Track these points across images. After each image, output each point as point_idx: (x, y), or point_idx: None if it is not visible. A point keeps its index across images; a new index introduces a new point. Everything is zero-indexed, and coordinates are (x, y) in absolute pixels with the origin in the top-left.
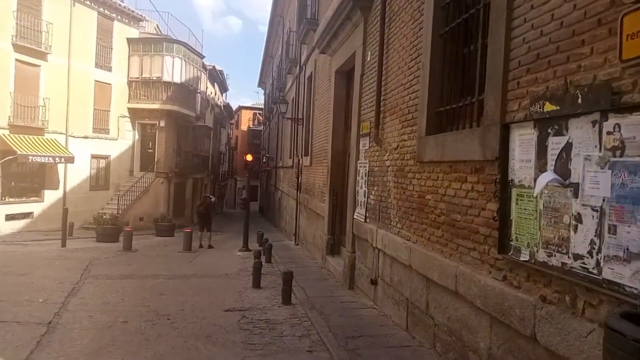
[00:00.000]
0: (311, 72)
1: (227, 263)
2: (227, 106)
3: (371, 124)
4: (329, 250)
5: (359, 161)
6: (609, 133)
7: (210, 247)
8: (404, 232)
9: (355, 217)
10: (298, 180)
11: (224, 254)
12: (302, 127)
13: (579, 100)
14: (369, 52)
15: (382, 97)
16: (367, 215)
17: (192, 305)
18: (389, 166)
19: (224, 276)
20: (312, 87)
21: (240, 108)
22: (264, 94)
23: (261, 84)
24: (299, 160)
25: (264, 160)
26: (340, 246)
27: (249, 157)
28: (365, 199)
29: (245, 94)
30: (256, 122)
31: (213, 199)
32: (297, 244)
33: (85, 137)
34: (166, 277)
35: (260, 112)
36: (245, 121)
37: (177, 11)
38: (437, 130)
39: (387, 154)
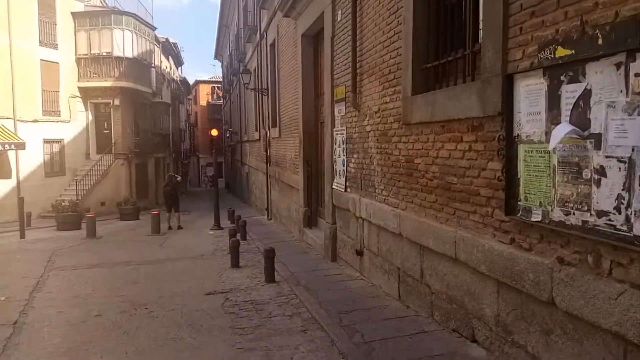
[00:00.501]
0: (274, 39)
1: (200, 243)
2: (184, 81)
3: (347, 88)
4: (306, 222)
5: (334, 129)
6: (637, 75)
7: (179, 227)
8: (391, 199)
9: (334, 187)
10: (267, 153)
11: (196, 234)
12: (268, 97)
13: (599, 41)
14: (340, 11)
15: (357, 59)
16: (347, 184)
17: (170, 292)
18: (369, 131)
19: (199, 257)
20: (275, 55)
21: (198, 82)
22: (222, 66)
23: (217, 56)
24: (266, 132)
25: (228, 135)
26: (317, 218)
27: (214, 132)
28: (345, 168)
29: (201, 68)
30: (215, 97)
31: (178, 178)
32: (270, 219)
33: (35, 121)
34: (138, 263)
35: (219, 85)
36: (204, 96)
37: None
38: (425, 89)
39: (367, 119)
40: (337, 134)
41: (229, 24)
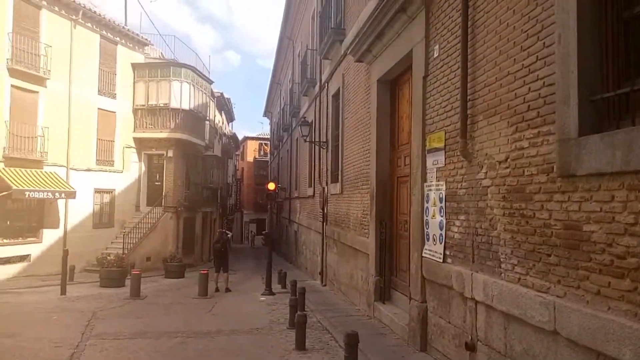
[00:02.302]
0: (337, 89)
1: (253, 312)
2: (234, 136)
3: (448, 134)
4: (377, 295)
5: (426, 184)
6: None
7: (227, 290)
8: (533, 279)
9: (425, 255)
10: (323, 211)
11: (245, 299)
12: (327, 151)
13: None
14: (437, 46)
15: (469, 97)
16: (447, 253)
17: None
18: (488, 187)
19: (254, 332)
20: (339, 105)
21: (246, 139)
22: (270, 123)
23: (267, 113)
24: (323, 188)
25: (276, 191)
26: (392, 290)
27: (271, 186)
28: (443, 232)
29: (248, 126)
30: (262, 153)
31: (230, 235)
32: (325, 285)
33: (88, 170)
34: (185, 335)
35: (266, 142)
36: (251, 152)
37: (176, 50)
38: (599, 127)
39: (485, 171)
40: (430, 190)
41: (281, 81)
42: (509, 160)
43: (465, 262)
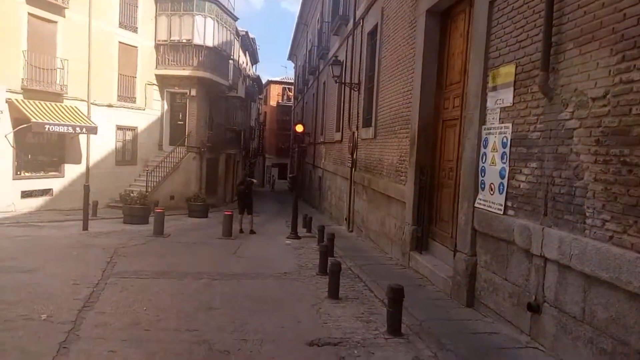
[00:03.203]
0: (375, 24)
1: (279, 255)
2: (258, 79)
3: (520, 67)
4: (414, 244)
5: (484, 126)
6: None
7: (252, 232)
8: (634, 239)
9: (478, 205)
10: (352, 156)
11: (270, 242)
12: (359, 93)
13: None
14: None
15: (555, 21)
16: (508, 204)
17: (256, 331)
18: (575, 128)
19: (283, 276)
20: (376, 43)
21: (269, 82)
22: (295, 67)
23: (292, 56)
24: (353, 133)
25: None
26: (430, 240)
27: (300, 128)
28: (505, 181)
29: (271, 71)
30: (285, 98)
31: (255, 182)
32: (352, 230)
33: (110, 106)
34: (211, 277)
35: (290, 87)
36: (274, 96)
37: None
38: None
39: (570, 110)
40: (489, 134)
41: (308, 22)
42: (608, 96)
43: (534, 215)
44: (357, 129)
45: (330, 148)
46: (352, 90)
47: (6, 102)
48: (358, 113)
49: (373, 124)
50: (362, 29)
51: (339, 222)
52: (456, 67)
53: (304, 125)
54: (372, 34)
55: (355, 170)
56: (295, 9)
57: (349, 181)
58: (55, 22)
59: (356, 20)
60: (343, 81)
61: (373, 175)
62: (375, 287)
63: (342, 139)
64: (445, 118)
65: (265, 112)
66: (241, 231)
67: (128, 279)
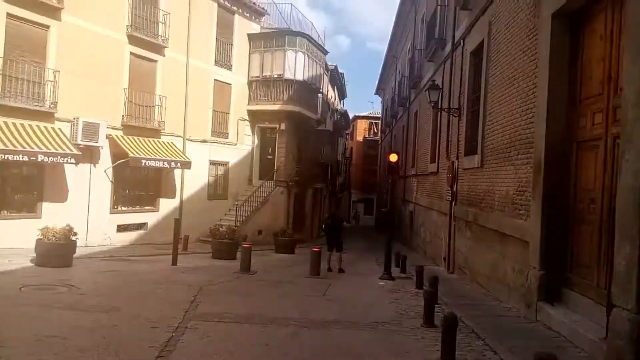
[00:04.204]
0: (480, 42)
1: (373, 299)
2: (345, 113)
3: None
4: (542, 294)
5: None
6: None
7: (341, 270)
8: None
9: None
10: (452, 189)
11: (362, 283)
12: (459, 119)
13: None
14: None
15: None
16: None
17: None
18: None
19: (380, 327)
20: (481, 62)
21: (356, 118)
22: (382, 101)
23: (379, 91)
24: (452, 162)
25: None
26: (565, 289)
27: (394, 157)
28: None
29: (358, 108)
30: (372, 133)
31: (344, 222)
32: (452, 272)
33: (204, 141)
34: (298, 324)
35: (377, 121)
36: (361, 131)
37: (290, 22)
38: None
39: None
40: None
41: (398, 54)
42: None
43: None
44: (457, 159)
45: (424, 181)
46: (452, 116)
47: (106, 137)
48: (459, 141)
49: (479, 151)
50: (462, 49)
51: (435, 261)
52: (595, 76)
53: (398, 155)
54: (476, 52)
55: (455, 204)
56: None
57: (447, 216)
58: (156, 61)
59: (455, 41)
60: (440, 107)
61: (480, 210)
62: (501, 349)
63: (438, 170)
64: (581, 139)
65: (352, 147)
66: (329, 269)
67: (210, 323)
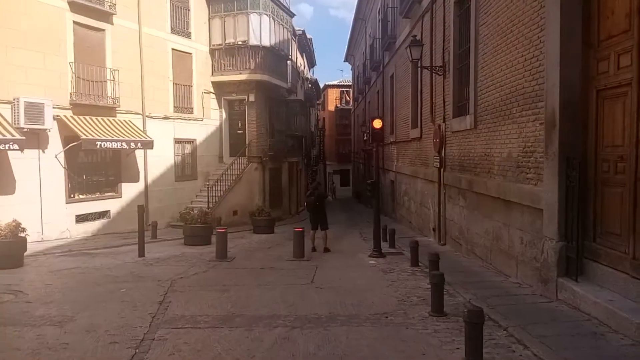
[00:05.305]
0: None
1: (367, 283)
2: (316, 82)
3: None
4: (562, 268)
5: None
6: None
7: (326, 250)
8: None
9: None
10: (440, 154)
11: (351, 263)
12: (445, 78)
13: None
14: None
15: None
16: None
17: None
18: None
19: (383, 319)
20: (469, 11)
21: (327, 87)
22: (352, 68)
23: (348, 57)
24: (439, 126)
25: (365, 137)
26: (590, 262)
27: (378, 123)
28: None
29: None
30: (344, 102)
31: (328, 196)
32: (444, 244)
33: (166, 118)
34: (287, 324)
35: (348, 89)
36: (332, 101)
37: None
38: None
39: None
40: None
41: (366, 17)
42: None
43: None
44: (444, 122)
45: (405, 148)
46: (435, 76)
47: (54, 119)
48: (445, 102)
49: (471, 111)
50: (444, 0)
51: (423, 232)
52: (618, 9)
53: (381, 119)
54: (462, 1)
55: (445, 170)
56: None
57: (436, 184)
58: (103, 30)
59: None
60: (421, 65)
61: (475, 176)
62: (531, 342)
63: (421, 135)
64: (603, 86)
65: (324, 118)
66: (314, 249)
67: (182, 331)
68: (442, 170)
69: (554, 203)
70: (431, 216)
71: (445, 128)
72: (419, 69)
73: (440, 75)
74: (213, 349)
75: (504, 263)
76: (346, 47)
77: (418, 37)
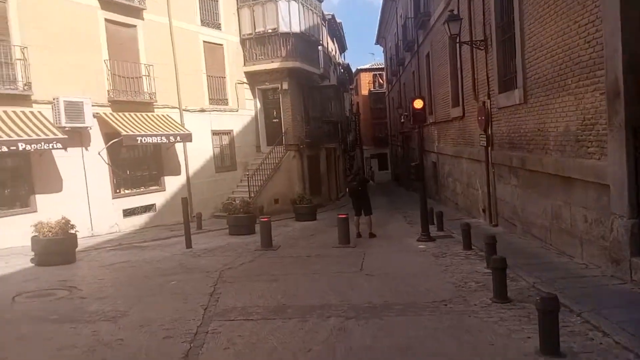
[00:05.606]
0: None
1: (419, 268)
2: (348, 67)
3: None
4: (635, 247)
5: None
6: None
7: (372, 235)
8: None
9: None
10: (485, 132)
11: (399, 248)
12: (487, 52)
13: None
14: None
15: None
16: None
17: None
18: None
19: (442, 307)
20: None
21: (359, 71)
22: (384, 51)
23: (379, 40)
24: (483, 103)
25: (402, 120)
26: None
27: (419, 103)
28: None
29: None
30: (377, 85)
31: (370, 181)
32: (496, 225)
33: (202, 111)
34: (341, 314)
35: (381, 72)
36: (365, 85)
37: None
38: None
39: None
40: None
41: None
42: None
43: None
44: (488, 98)
45: (446, 128)
46: (477, 50)
47: (94, 116)
48: (488, 77)
49: (520, 84)
50: None
51: (472, 213)
52: None
53: (424, 100)
54: None
55: (492, 149)
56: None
57: (483, 163)
58: (134, 25)
59: None
60: (459, 41)
61: (528, 153)
62: (611, 328)
63: (463, 114)
64: None
65: (358, 103)
66: (359, 235)
67: (235, 323)
68: (489, 148)
69: (622, 178)
70: (479, 197)
71: (490, 105)
72: (458, 44)
73: (481, 49)
74: (268, 341)
75: (567, 243)
76: (377, 29)
77: (455, 12)
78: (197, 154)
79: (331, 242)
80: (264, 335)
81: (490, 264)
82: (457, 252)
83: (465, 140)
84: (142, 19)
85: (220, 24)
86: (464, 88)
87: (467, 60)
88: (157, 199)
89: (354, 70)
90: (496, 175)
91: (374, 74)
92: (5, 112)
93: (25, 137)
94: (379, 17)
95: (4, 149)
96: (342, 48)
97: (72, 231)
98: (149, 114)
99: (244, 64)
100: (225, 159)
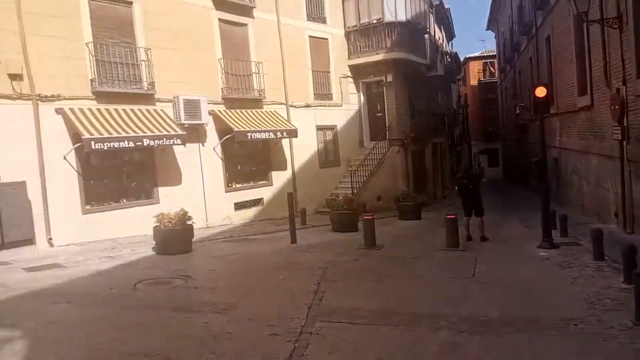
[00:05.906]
0: None
1: (543, 280)
2: (456, 56)
3: None
4: None
5: None
6: None
7: (484, 238)
8: None
9: None
10: (622, 123)
11: (516, 254)
12: (621, 31)
13: None
14: None
15: None
16: None
17: None
18: None
19: (572, 327)
20: None
21: (467, 60)
22: (497, 35)
23: (491, 24)
24: (617, 90)
25: (517, 111)
26: None
27: (541, 91)
28: None
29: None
30: (488, 75)
31: (483, 179)
32: (631, 232)
33: (307, 106)
34: (452, 326)
35: (492, 60)
36: (475, 74)
37: None
38: None
39: None
40: None
41: None
42: None
43: None
44: (624, 84)
45: (570, 119)
46: (609, 30)
47: (209, 113)
48: (624, 60)
49: None
50: None
51: (600, 217)
52: None
53: (547, 87)
54: None
55: (628, 143)
56: None
57: (617, 160)
58: (245, 24)
59: None
60: (587, 20)
61: None
62: None
63: (592, 103)
64: None
65: (466, 94)
66: (469, 238)
67: (339, 326)
68: (624, 143)
69: None
70: (611, 198)
71: (626, 91)
72: (586, 24)
73: (615, 28)
74: (373, 349)
75: None
76: (488, 12)
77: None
78: (302, 149)
79: (438, 244)
80: (369, 341)
81: (631, 279)
82: (586, 263)
83: (593, 133)
84: (252, 17)
85: (325, 18)
86: (592, 74)
87: (596, 42)
88: (265, 193)
89: (462, 59)
90: (633, 174)
91: (484, 62)
92: (132, 110)
93: (150, 133)
94: (490, 2)
95: (131, 144)
96: (450, 36)
97: (189, 222)
98: (258, 110)
99: (348, 57)
100: (329, 154)
